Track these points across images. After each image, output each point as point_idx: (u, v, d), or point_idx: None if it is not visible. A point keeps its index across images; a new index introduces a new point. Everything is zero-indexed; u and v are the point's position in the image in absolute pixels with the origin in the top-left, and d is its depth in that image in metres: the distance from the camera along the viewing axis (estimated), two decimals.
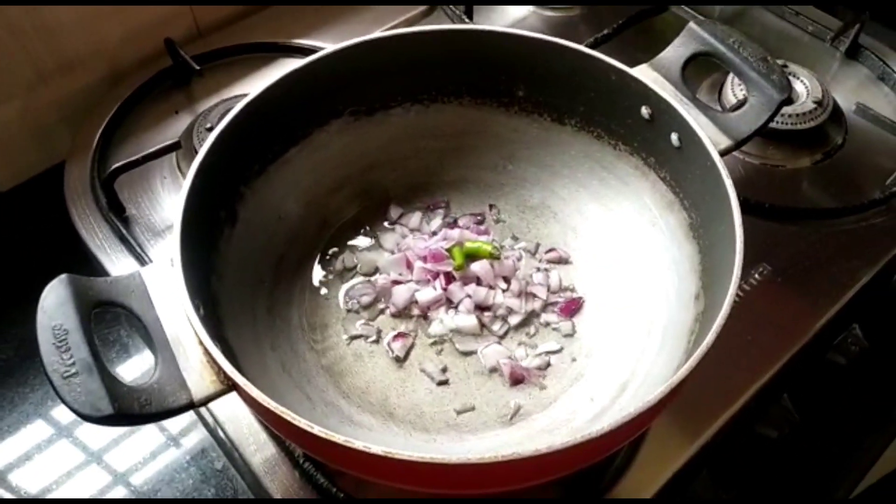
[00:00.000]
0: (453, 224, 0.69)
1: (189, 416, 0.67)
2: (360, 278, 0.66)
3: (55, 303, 0.46)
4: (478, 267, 0.63)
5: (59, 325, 0.45)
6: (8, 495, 0.63)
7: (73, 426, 0.66)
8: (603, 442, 0.43)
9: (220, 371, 0.45)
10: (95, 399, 0.42)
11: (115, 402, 0.43)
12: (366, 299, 0.64)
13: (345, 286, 0.66)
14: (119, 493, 0.63)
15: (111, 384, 0.43)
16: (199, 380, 0.46)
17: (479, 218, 0.70)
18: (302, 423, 0.42)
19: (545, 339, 0.63)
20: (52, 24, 0.76)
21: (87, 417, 0.42)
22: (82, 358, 0.44)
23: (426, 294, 0.63)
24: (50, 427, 0.67)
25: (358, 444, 0.41)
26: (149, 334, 0.48)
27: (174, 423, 0.67)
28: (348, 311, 0.64)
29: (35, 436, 0.66)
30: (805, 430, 0.65)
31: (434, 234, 0.67)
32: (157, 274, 0.50)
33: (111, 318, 0.72)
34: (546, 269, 0.66)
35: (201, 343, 0.46)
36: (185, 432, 0.66)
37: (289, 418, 0.42)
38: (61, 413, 0.67)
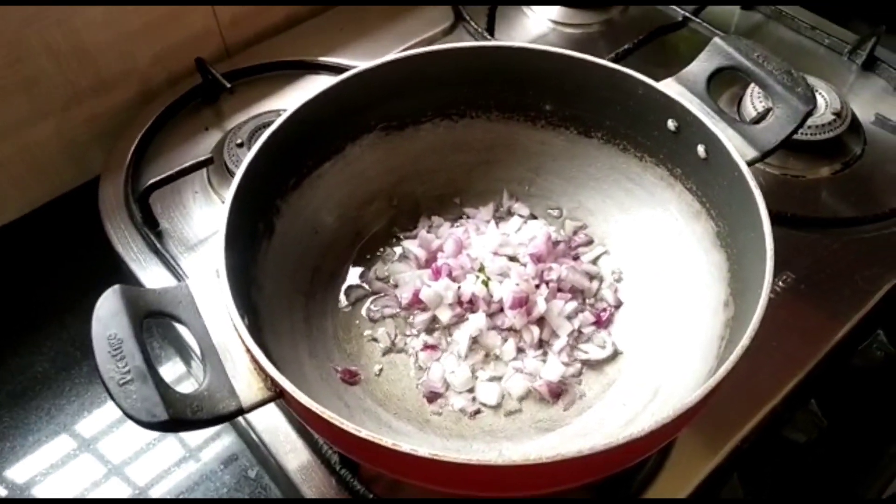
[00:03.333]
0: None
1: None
2: (389, 289, 0.67)
3: (109, 312, 0.47)
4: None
5: (114, 335, 0.46)
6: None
7: (106, 433, 0.68)
8: (640, 445, 0.44)
9: (267, 378, 0.47)
10: (150, 405, 0.44)
11: (168, 409, 0.44)
12: (390, 311, 0.66)
13: (375, 297, 0.67)
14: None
15: (164, 391, 0.45)
16: (246, 387, 0.48)
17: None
18: (349, 427, 0.43)
19: (578, 347, 0.63)
20: (87, 45, 0.78)
21: (142, 423, 0.44)
22: (137, 366, 0.45)
23: (445, 313, 0.63)
24: (85, 435, 0.68)
25: (405, 448, 0.42)
26: (198, 343, 0.49)
27: (205, 430, 0.68)
28: (376, 321, 0.66)
29: (71, 444, 0.67)
30: (833, 434, 0.65)
31: (462, 246, 0.68)
32: (203, 285, 0.51)
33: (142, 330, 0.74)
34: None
35: (248, 351, 0.47)
36: (216, 438, 0.67)
37: (336, 423, 0.43)
38: (95, 422, 0.69)
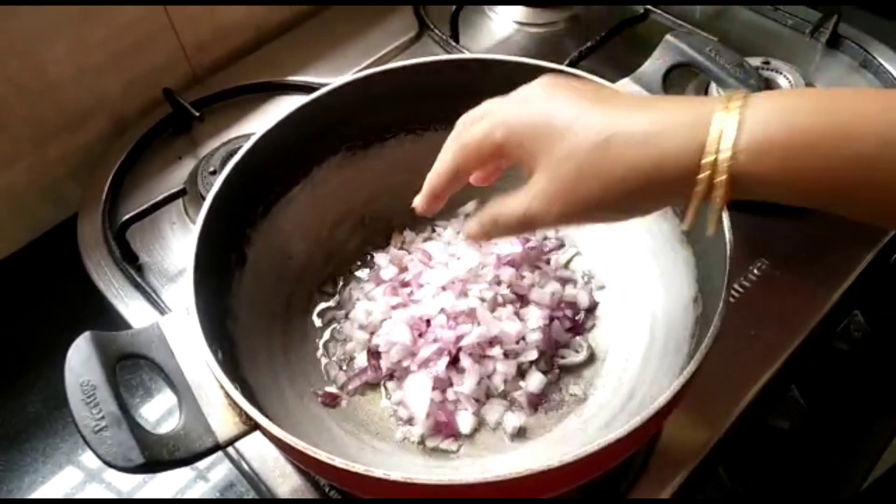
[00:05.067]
0: None
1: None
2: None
3: (81, 360, 0.48)
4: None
5: (87, 381, 0.47)
6: None
7: (102, 470, 0.68)
8: (613, 450, 0.45)
9: (242, 412, 0.47)
10: (126, 450, 0.44)
11: (144, 451, 0.45)
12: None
13: (348, 321, 0.67)
14: None
15: (140, 434, 0.45)
16: (222, 422, 0.48)
17: None
18: (322, 455, 0.44)
19: (555, 353, 0.63)
20: (54, 81, 0.78)
21: (119, 468, 0.44)
22: (111, 412, 0.46)
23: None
24: (81, 473, 0.68)
25: (377, 473, 0.43)
26: (172, 382, 0.50)
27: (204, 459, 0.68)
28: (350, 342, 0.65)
29: (68, 483, 0.68)
30: (815, 418, 0.66)
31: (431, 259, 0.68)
32: (175, 323, 0.52)
33: (132, 364, 0.74)
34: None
35: (222, 387, 0.48)
36: (212, 467, 0.68)
37: (311, 453, 0.44)
38: (91, 459, 0.69)
